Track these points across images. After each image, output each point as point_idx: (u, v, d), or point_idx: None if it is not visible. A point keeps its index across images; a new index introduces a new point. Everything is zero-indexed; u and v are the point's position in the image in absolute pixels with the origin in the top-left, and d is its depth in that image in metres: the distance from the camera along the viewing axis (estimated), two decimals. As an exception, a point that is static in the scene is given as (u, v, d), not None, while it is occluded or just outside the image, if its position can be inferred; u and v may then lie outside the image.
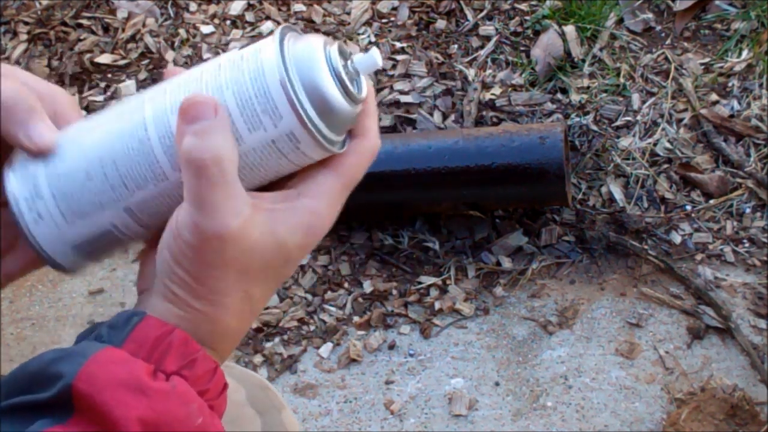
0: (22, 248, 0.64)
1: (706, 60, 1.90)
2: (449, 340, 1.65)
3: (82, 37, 2.05)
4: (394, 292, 1.71)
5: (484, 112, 1.85)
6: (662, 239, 1.72)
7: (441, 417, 1.57)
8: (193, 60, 2.00)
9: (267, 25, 2.02)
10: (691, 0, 1.95)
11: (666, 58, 1.91)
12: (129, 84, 1.98)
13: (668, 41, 1.94)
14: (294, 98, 0.56)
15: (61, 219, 0.59)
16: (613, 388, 1.57)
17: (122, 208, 0.59)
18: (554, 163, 1.62)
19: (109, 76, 2.01)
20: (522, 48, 1.93)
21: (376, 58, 0.59)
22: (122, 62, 2.02)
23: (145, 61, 2.01)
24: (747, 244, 1.70)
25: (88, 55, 2.02)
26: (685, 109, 1.84)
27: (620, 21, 1.96)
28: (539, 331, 1.65)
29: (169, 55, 2.01)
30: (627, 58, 1.90)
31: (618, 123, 1.83)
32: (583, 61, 1.90)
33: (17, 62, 2.05)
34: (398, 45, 1.96)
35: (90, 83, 2.01)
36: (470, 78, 1.89)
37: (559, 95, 1.86)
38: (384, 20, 2.01)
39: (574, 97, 1.85)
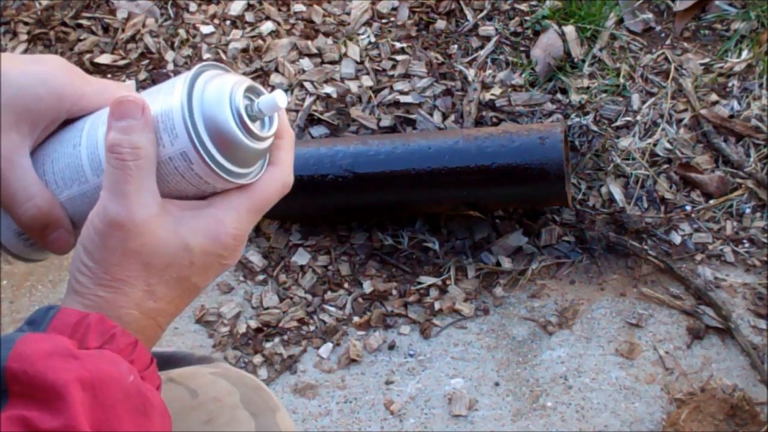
0: None
1: (706, 60, 1.90)
2: (449, 340, 1.65)
3: (82, 38, 2.05)
4: (394, 292, 1.71)
5: (484, 113, 1.85)
6: (662, 239, 1.72)
7: (441, 417, 1.57)
8: (193, 60, 2.00)
9: (267, 25, 2.02)
10: (691, 0, 1.95)
11: (666, 59, 1.91)
12: (129, 84, 1.98)
13: (668, 41, 1.94)
14: (189, 123, 0.63)
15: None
16: (613, 389, 1.57)
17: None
18: (554, 164, 1.61)
19: (109, 76, 2.01)
20: (522, 48, 1.93)
21: (278, 100, 0.66)
22: (122, 62, 2.01)
23: (145, 62, 2.01)
24: (747, 245, 1.70)
25: (88, 56, 2.02)
26: (685, 110, 1.84)
27: (620, 21, 1.96)
28: (539, 331, 1.65)
29: (169, 56, 2.01)
30: (627, 59, 1.90)
31: (618, 123, 1.83)
32: (583, 61, 1.90)
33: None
34: (398, 45, 1.96)
35: (90, 83, 2.01)
36: (470, 78, 1.89)
37: (559, 95, 1.86)
38: (384, 20, 2.01)
39: (574, 98, 1.85)
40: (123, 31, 2.05)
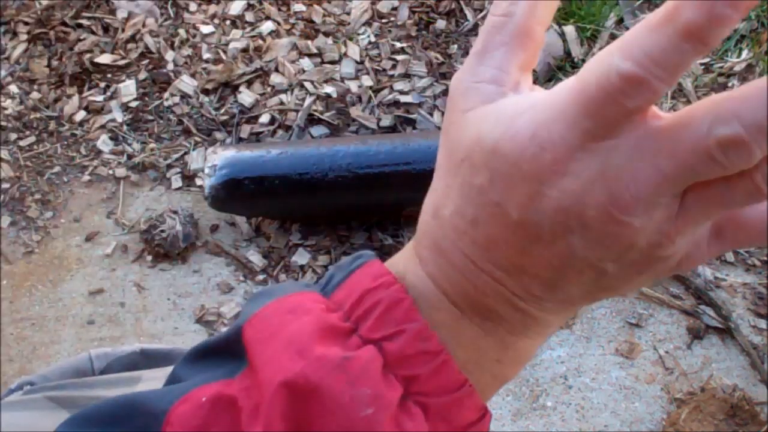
0: None
1: (706, 60, 1.90)
2: (449, 340, 1.65)
3: (82, 37, 2.05)
4: (394, 292, 1.71)
5: (484, 112, 1.85)
6: (662, 239, 1.72)
7: (441, 417, 1.57)
8: (193, 60, 2.00)
9: (267, 25, 2.02)
10: (691, 0, 1.96)
11: (666, 58, 1.91)
12: (129, 84, 1.98)
13: (668, 41, 1.94)
14: None
15: None
16: (613, 388, 1.57)
17: None
18: (554, 163, 1.61)
19: (109, 76, 2.01)
20: (522, 48, 1.93)
21: None
22: (122, 62, 2.01)
23: (145, 61, 2.01)
24: (747, 244, 1.70)
25: (88, 55, 2.02)
26: (685, 109, 1.84)
27: (620, 21, 1.96)
28: (539, 331, 1.65)
29: (169, 55, 2.01)
30: (627, 58, 1.91)
31: (618, 123, 1.83)
32: (583, 61, 1.90)
33: (17, 62, 2.05)
34: (398, 45, 1.96)
35: (90, 83, 2.01)
36: (470, 78, 1.89)
37: (559, 95, 1.86)
38: (384, 20, 2.01)
39: (574, 97, 1.85)
40: (123, 30, 2.05)
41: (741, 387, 1.53)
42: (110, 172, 1.91)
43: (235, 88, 1.95)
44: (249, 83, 1.95)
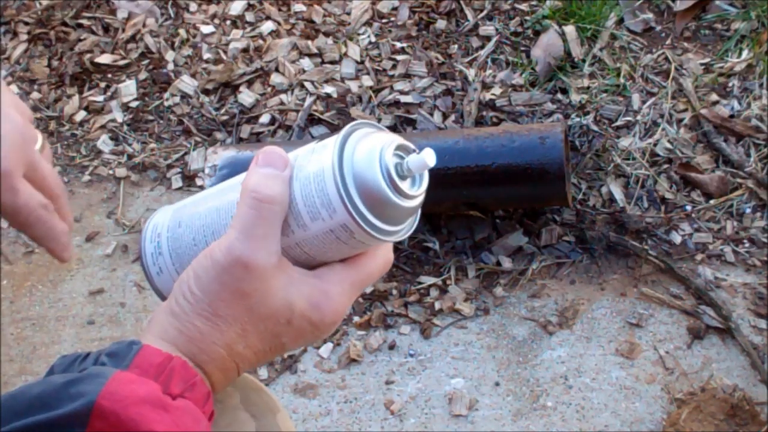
0: None
1: (706, 60, 1.90)
2: (449, 340, 1.65)
3: (82, 38, 2.05)
4: (395, 292, 1.71)
5: (484, 113, 1.85)
6: (662, 239, 1.72)
7: (441, 417, 1.57)
8: (194, 60, 2.00)
9: (267, 25, 2.02)
10: (691, 0, 1.96)
11: (666, 58, 1.91)
12: (129, 84, 1.98)
13: (668, 41, 1.94)
14: (345, 197, 0.64)
15: (175, 273, 0.73)
16: (613, 388, 1.57)
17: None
18: (554, 164, 1.62)
19: (109, 76, 2.01)
20: (522, 48, 1.93)
21: (426, 159, 0.65)
22: (122, 62, 2.01)
23: (145, 61, 2.01)
24: (747, 245, 1.70)
25: (88, 55, 2.02)
26: (685, 109, 1.84)
27: (620, 21, 1.96)
28: (539, 331, 1.65)
29: (169, 55, 2.01)
30: (627, 58, 1.90)
31: (618, 123, 1.83)
32: (583, 61, 1.90)
33: (17, 62, 2.05)
34: (398, 45, 1.96)
35: (90, 83, 2.01)
36: (470, 78, 1.89)
37: (559, 95, 1.86)
38: (384, 20, 2.01)
39: (574, 97, 1.85)
40: (123, 31, 2.05)
41: (741, 387, 1.53)
42: (110, 172, 1.91)
43: (235, 88, 1.95)
44: (249, 83, 1.95)
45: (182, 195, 1.84)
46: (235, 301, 0.64)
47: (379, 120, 1.85)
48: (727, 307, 1.62)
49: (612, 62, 1.90)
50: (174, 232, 0.73)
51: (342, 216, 0.64)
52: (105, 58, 2.02)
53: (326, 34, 2.00)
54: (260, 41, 2.00)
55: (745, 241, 1.71)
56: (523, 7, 1.98)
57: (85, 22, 2.07)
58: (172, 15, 2.07)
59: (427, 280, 1.72)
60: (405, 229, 0.69)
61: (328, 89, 1.91)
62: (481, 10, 2.00)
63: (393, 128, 1.85)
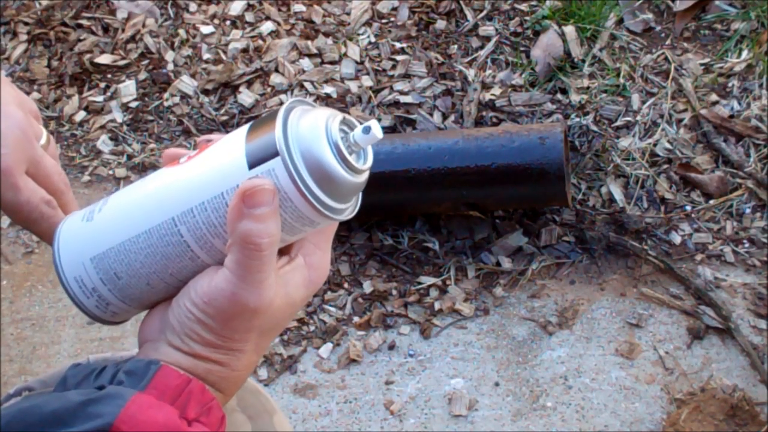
0: None
1: (706, 60, 1.90)
2: (449, 340, 1.65)
3: (82, 38, 2.05)
4: (394, 292, 1.71)
5: (484, 113, 1.85)
6: (662, 239, 1.72)
7: (441, 417, 1.57)
8: (193, 60, 2.00)
9: (267, 25, 2.02)
10: (691, 0, 1.96)
11: (666, 59, 1.91)
12: (129, 84, 1.98)
13: (668, 41, 1.94)
14: (289, 163, 0.61)
15: (135, 310, 0.70)
16: (613, 389, 1.57)
17: (172, 286, 0.69)
18: (554, 164, 1.62)
19: (109, 76, 2.01)
20: (522, 48, 1.93)
21: (375, 132, 0.63)
22: (122, 62, 2.01)
23: (145, 62, 2.01)
24: (747, 245, 1.70)
25: (88, 56, 2.02)
26: (685, 110, 1.84)
27: (620, 21, 1.96)
28: (539, 331, 1.65)
29: (169, 56, 2.01)
30: (627, 59, 1.90)
31: (618, 123, 1.83)
32: (583, 61, 1.90)
33: (17, 62, 2.05)
34: (398, 45, 1.96)
35: (90, 83, 2.01)
36: (470, 78, 1.89)
37: (559, 95, 1.86)
38: (384, 20, 2.01)
39: (574, 98, 1.85)
40: (123, 31, 2.05)
41: (741, 387, 1.53)
42: (110, 172, 1.91)
43: (235, 89, 1.95)
44: (249, 83, 1.95)
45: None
46: (248, 333, 0.65)
47: (379, 120, 1.85)
48: (726, 307, 1.62)
49: (612, 62, 1.90)
50: (115, 284, 0.68)
51: (286, 185, 0.62)
52: (105, 59, 2.02)
53: (326, 35, 2.00)
54: (260, 41, 2.00)
55: (744, 241, 1.71)
56: (523, 7, 1.98)
57: (84, 22, 2.07)
58: (172, 15, 2.07)
59: (427, 280, 1.72)
60: (351, 207, 0.67)
61: (328, 89, 1.91)
62: (481, 11, 2.00)
63: (393, 128, 1.85)
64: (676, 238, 1.71)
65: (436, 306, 1.68)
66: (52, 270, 1.82)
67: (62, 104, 1.99)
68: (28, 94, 2.01)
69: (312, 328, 1.69)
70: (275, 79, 1.94)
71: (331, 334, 1.67)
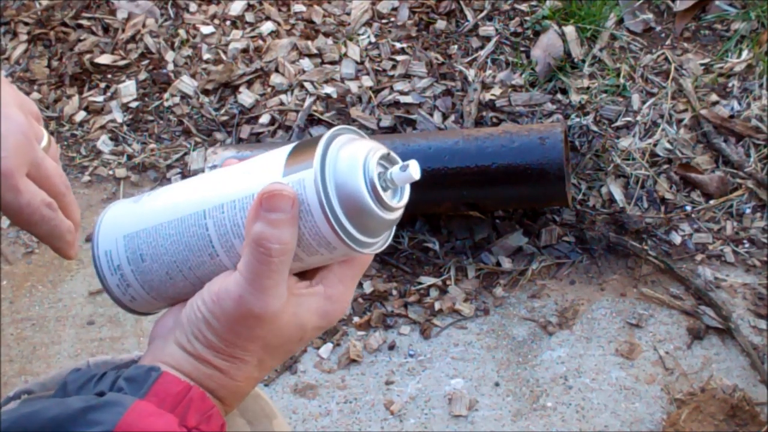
0: None
1: (706, 60, 1.90)
2: (449, 340, 1.65)
3: (82, 38, 2.05)
4: (394, 292, 1.71)
5: (484, 113, 1.85)
6: (662, 240, 1.72)
7: (441, 417, 1.57)
8: (193, 60, 2.00)
9: (267, 26, 2.02)
10: (691, 0, 1.96)
11: (666, 59, 1.91)
12: (129, 84, 1.98)
13: (668, 42, 1.94)
14: (322, 193, 0.62)
15: (152, 300, 0.72)
16: (613, 389, 1.57)
17: (189, 281, 0.70)
18: (554, 164, 1.62)
19: (109, 76, 2.01)
20: (522, 48, 1.93)
21: (412, 172, 0.65)
22: (122, 63, 2.01)
23: (145, 62, 2.01)
24: (747, 245, 1.70)
25: (88, 56, 2.02)
26: (685, 110, 1.84)
27: (620, 21, 1.96)
28: (539, 331, 1.65)
29: (169, 56, 2.01)
30: (627, 59, 1.91)
31: (618, 123, 1.83)
32: (583, 61, 1.90)
33: (17, 62, 2.05)
34: (398, 45, 1.96)
35: (90, 83, 2.01)
36: (470, 78, 1.89)
37: (559, 96, 1.86)
38: (384, 20, 2.01)
39: (574, 98, 1.85)
40: (123, 31, 2.05)
41: (741, 387, 1.53)
42: (110, 172, 1.91)
43: (235, 89, 1.95)
44: (249, 83, 1.95)
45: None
46: (251, 343, 0.65)
47: (379, 120, 1.85)
48: (727, 307, 1.62)
49: (612, 62, 1.90)
50: (138, 266, 0.70)
51: (317, 214, 0.63)
52: (105, 59, 2.02)
53: (326, 35, 2.00)
54: (260, 41, 2.00)
55: (744, 241, 1.71)
56: (523, 7, 1.98)
57: (84, 22, 2.07)
58: (172, 15, 2.07)
59: (427, 280, 1.72)
60: (380, 242, 0.67)
61: (328, 89, 1.91)
62: (481, 11, 2.00)
63: (393, 128, 1.85)
64: (676, 239, 1.72)
65: (436, 306, 1.68)
66: (52, 270, 1.83)
67: (62, 104, 1.99)
68: (28, 94, 2.01)
69: (312, 328, 1.69)
70: (275, 79, 1.94)
71: (331, 334, 1.67)
